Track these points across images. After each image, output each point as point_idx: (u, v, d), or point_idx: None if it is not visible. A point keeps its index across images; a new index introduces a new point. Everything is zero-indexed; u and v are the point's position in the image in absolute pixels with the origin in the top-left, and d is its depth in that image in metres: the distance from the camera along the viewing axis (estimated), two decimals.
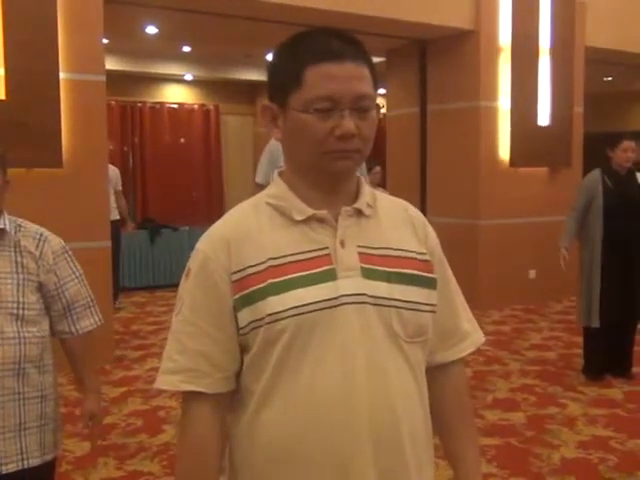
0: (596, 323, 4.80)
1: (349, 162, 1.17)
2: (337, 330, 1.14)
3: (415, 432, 1.19)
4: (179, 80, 11.18)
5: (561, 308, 7.54)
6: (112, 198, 7.17)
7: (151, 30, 8.02)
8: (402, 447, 1.16)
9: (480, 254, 7.55)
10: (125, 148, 10.78)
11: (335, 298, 1.14)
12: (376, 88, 1.20)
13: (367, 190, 1.25)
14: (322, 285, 1.14)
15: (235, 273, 1.16)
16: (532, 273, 7.80)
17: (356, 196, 1.23)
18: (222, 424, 1.20)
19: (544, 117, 7.71)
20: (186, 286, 1.21)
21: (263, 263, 1.15)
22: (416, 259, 1.23)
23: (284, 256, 1.15)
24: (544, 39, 7.63)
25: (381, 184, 7.52)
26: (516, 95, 7.49)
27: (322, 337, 1.13)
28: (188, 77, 11.07)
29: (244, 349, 1.18)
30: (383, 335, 1.16)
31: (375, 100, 1.19)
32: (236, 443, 1.21)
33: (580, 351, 5.24)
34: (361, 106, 1.15)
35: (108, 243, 5.49)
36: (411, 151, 8.20)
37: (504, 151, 7.57)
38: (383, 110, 8.93)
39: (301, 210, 1.18)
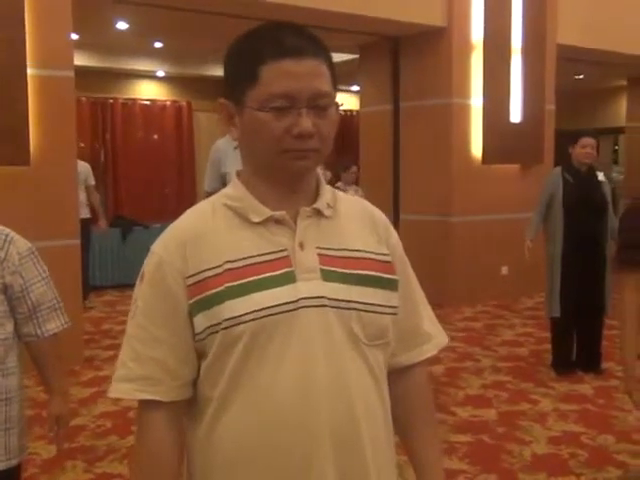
0: (556, 312, 4.93)
1: (307, 162, 1.14)
2: (296, 334, 1.11)
3: (375, 434, 1.18)
4: (151, 76, 11.06)
5: (532, 304, 7.60)
6: (83, 195, 7.09)
7: (122, 25, 7.92)
8: (362, 449, 1.15)
9: (452, 251, 7.58)
10: (97, 145, 10.65)
11: (294, 301, 1.11)
12: (335, 85, 1.18)
13: (327, 190, 1.23)
14: (281, 288, 1.12)
15: (190, 277, 1.13)
16: (504, 269, 7.85)
17: (316, 196, 1.20)
18: (179, 432, 1.18)
19: (516, 114, 7.76)
20: (140, 290, 1.18)
21: (220, 266, 1.12)
22: (376, 260, 1.21)
23: (242, 259, 1.13)
24: (516, 37, 7.68)
25: (356, 183, 7.53)
26: (488, 92, 7.53)
27: (281, 341, 1.11)
28: (160, 73, 10.96)
29: (201, 355, 1.15)
30: (343, 338, 1.14)
31: (334, 98, 1.16)
32: (194, 451, 1.18)
33: (550, 346, 5.29)
34: (319, 104, 1.12)
35: (77, 241, 5.42)
36: (384, 148, 8.20)
37: (476, 148, 7.60)
38: (352, 107, 8.92)
39: (258, 211, 1.16)
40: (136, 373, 1.15)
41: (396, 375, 1.30)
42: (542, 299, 7.29)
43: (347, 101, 12.90)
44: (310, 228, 1.17)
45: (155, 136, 11.22)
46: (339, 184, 6.92)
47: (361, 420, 1.14)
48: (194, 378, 1.17)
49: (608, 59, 9.34)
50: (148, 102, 11.13)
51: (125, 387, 1.16)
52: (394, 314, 1.22)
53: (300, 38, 1.13)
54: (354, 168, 7.20)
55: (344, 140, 12.38)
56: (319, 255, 1.15)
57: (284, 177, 1.16)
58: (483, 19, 7.45)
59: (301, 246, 1.15)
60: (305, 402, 1.11)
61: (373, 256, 1.21)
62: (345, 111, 12.98)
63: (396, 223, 8.14)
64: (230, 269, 1.12)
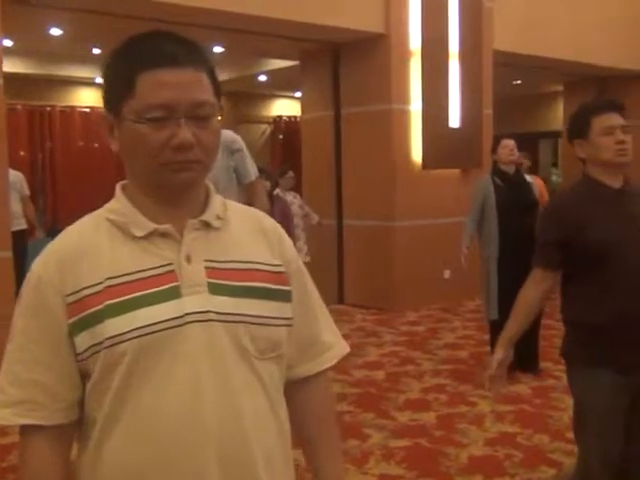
0: (495, 315, 4.99)
1: (190, 173, 1.11)
2: (183, 351, 1.08)
3: (269, 451, 1.15)
4: (90, 83, 10.86)
5: (474, 306, 7.69)
6: (19, 206, 6.90)
7: (55, 32, 7.76)
8: (253, 465, 1.12)
9: (395, 255, 7.63)
10: (37, 154, 10.41)
11: (180, 317, 1.09)
12: (218, 94, 1.15)
13: (217, 201, 1.20)
14: (166, 304, 1.09)
15: (70, 295, 1.09)
16: (447, 273, 7.92)
17: (205, 208, 1.18)
18: (65, 457, 1.13)
19: (455, 119, 7.86)
20: (19, 310, 1.13)
21: (100, 284, 1.09)
22: (268, 271, 1.19)
23: (123, 275, 1.09)
24: (453, 43, 7.78)
25: (294, 189, 7.52)
26: (427, 98, 7.61)
27: (166, 359, 1.08)
28: (99, 80, 10.76)
29: (85, 375, 1.11)
30: (232, 353, 1.12)
31: (216, 107, 1.13)
32: (81, 474, 1.14)
33: (489, 349, 5.35)
34: (199, 114, 1.10)
35: (9, 253, 5.26)
36: (326, 154, 8.21)
37: (416, 153, 7.67)
38: (296, 114, 8.92)
39: (142, 225, 1.12)
40: (15, 397, 1.10)
41: (295, 387, 1.28)
42: (483, 300, 7.41)
43: (291, 107, 12.92)
44: (198, 241, 1.14)
45: (96, 144, 11.02)
46: (277, 191, 6.90)
47: (252, 438, 1.12)
48: (80, 399, 1.13)
49: (544, 65, 9.54)
50: (88, 109, 10.93)
51: (3, 413, 1.11)
52: (288, 325, 1.20)
53: (177, 46, 1.11)
54: (290, 173, 7.19)
55: (288, 146, 12.39)
56: (207, 268, 1.13)
57: (167, 190, 1.13)
58: (420, 26, 7.53)
59: (188, 259, 1.12)
60: (193, 423, 1.08)
61: (264, 267, 1.19)
62: (289, 117, 13.00)
63: (339, 228, 8.17)
64: (111, 286, 1.09)
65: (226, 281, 1.13)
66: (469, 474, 3.52)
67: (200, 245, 1.14)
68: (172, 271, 1.11)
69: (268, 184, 6.59)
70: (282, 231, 1.28)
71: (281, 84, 11.85)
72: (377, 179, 7.65)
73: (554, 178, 14.02)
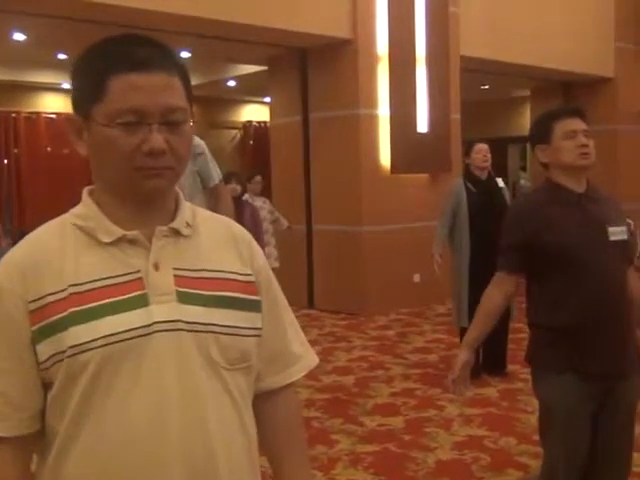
0: (465, 323, 4.95)
1: (161, 180, 1.09)
2: (148, 361, 1.06)
3: (236, 464, 1.13)
4: (56, 89, 10.73)
5: (444, 310, 7.71)
6: None
7: (19, 37, 7.65)
8: (219, 479, 1.10)
9: (365, 261, 7.63)
10: (1, 160, 10.26)
11: (147, 326, 1.06)
12: (191, 100, 1.14)
13: (187, 209, 1.18)
14: (132, 312, 1.06)
15: (32, 302, 1.06)
16: (416, 277, 7.95)
17: (174, 215, 1.15)
18: (26, 468, 1.10)
19: (423, 124, 7.90)
20: None
21: (64, 290, 1.06)
22: (238, 281, 1.17)
23: (89, 282, 1.07)
24: (420, 48, 7.83)
25: (264, 193, 7.48)
26: (395, 103, 7.64)
27: (131, 369, 1.05)
28: (66, 85, 10.64)
29: (47, 385, 1.08)
30: (200, 363, 1.09)
31: (188, 113, 1.11)
32: None
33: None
34: (171, 120, 1.08)
35: None
36: (295, 160, 8.20)
37: (385, 158, 7.70)
38: (266, 119, 8.90)
39: (109, 231, 1.10)
40: None
41: (263, 399, 1.26)
42: (453, 306, 7.44)
43: (261, 113, 12.89)
44: (166, 248, 1.12)
45: (64, 150, 10.87)
46: (246, 196, 6.86)
47: (218, 450, 1.09)
48: (42, 409, 1.10)
49: (510, 70, 9.64)
50: (54, 115, 10.79)
51: None
52: (258, 336, 1.19)
53: (150, 50, 1.08)
54: (258, 178, 7.15)
55: (258, 151, 12.36)
56: (175, 276, 1.10)
57: (137, 196, 1.11)
58: (388, 31, 7.56)
59: (156, 267, 1.10)
60: (158, 435, 1.05)
61: (235, 276, 1.17)
62: (259, 122, 12.97)
63: (309, 233, 8.16)
64: (75, 293, 1.06)
65: (195, 290, 1.11)
66: (436, 478, 3.51)
67: (169, 253, 1.12)
68: (139, 279, 1.08)
69: (239, 188, 6.55)
70: (252, 239, 1.26)
71: (250, 89, 11.82)
72: (346, 184, 7.66)
73: (523, 182, 14.19)
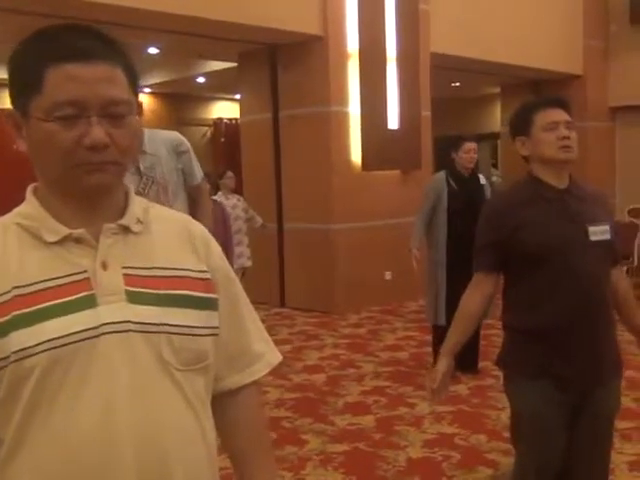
0: (442, 321, 4.93)
1: (104, 175, 1.04)
2: (97, 364, 1.01)
3: (193, 469, 1.09)
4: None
5: (416, 307, 7.72)
6: None
7: None
8: None
9: (336, 258, 7.61)
10: None
11: (95, 328, 1.01)
12: (136, 92, 1.09)
13: (138, 204, 1.13)
14: (79, 314, 1.01)
15: None
16: (388, 274, 7.94)
17: (124, 211, 1.11)
18: None
19: (393, 121, 7.89)
20: None
21: (7, 293, 1.01)
22: (193, 278, 1.12)
23: (33, 283, 1.02)
24: (390, 45, 7.81)
25: (236, 190, 7.42)
26: (366, 100, 7.61)
27: (79, 374, 1.00)
28: None
29: None
30: (152, 365, 1.05)
31: (133, 105, 1.07)
32: None
33: (431, 349, 5.36)
34: (113, 112, 1.03)
35: None
36: (265, 157, 8.15)
37: (356, 155, 7.67)
38: (237, 115, 8.83)
39: (54, 230, 1.05)
40: None
41: (224, 399, 1.22)
42: (428, 304, 7.44)
43: (232, 110, 12.80)
44: (115, 246, 1.07)
45: (14, 146, 10.64)
46: (219, 194, 6.80)
47: (173, 456, 1.05)
48: None
49: (480, 67, 9.67)
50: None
51: None
52: (214, 335, 1.14)
53: (89, 40, 1.03)
54: (230, 173, 7.08)
55: (229, 149, 12.26)
56: (125, 275, 1.06)
57: (81, 193, 1.06)
58: (358, 28, 7.53)
59: (104, 266, 1.05)
60: (107, 443, 1.00)
61: (189, 274, 1.12)
62: (230, 120, 12.88)
63: (280, 232, 8.11)
64: (19, 295, 1.01)
65: (146, 289, 1.07)
66: (407, 477, 3.49)
67: (118, 251, 1.07)
68: (87, 279, 1.04)
69: (209, 188, 6.49)
70: (210, 236, 1.22)
71: (220, 86, 11.74)
72: (317, 181, 7.62)
73: (494, 179, 14.25)
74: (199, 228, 1.22)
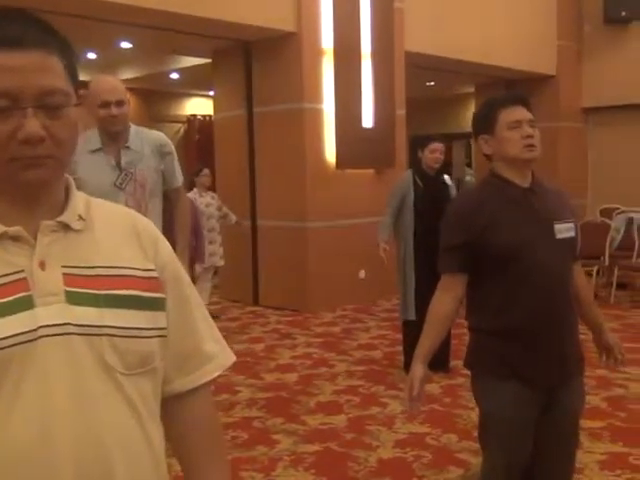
0: (412, 316, 4.99)
1: (41, 170, 0.98)
2: (34, 370, 0.95)
3: (137, 475, 1.03)
4: None
5: (390, 306, 7.71)
6: None
7: None
8: None
9: (310, 256, 7.57)
10: None
11: (32, 331, 0.95)
12: (76, 81, 1.03)
13: (79, 200, 1.07)
14: (15, 316, 0.95)
15: None
16: (362, 273, 7.93)
17: (64, 208, 1.05)
18: None
19: (368, 119, 7.87)
20: None
21: None
22: (139, 277, 1.07)
23: None
24: (365, 43, 7.79)
25: (211, 188, 7.36)
26: (340, 98, 7.59)
27: (14, 380, 0.95)
28: None
29: None
30: (94, 370, 0.99)
31: (71, 96, 1.01)
32: None
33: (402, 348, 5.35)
34: (49, 103, 0.97)
35: None
36: (239, 154, 8.09)
37: (330, 153, 7.64)
38: (211, 112, 8.76)
39: None
40: None
41: (175, 402, 1.16)
42: (399, 301, 7.44)
43: (206, 106, 12.70)
44: (54, 245, 1.01)
45: None
46: (194, 191, 6.73)
47: (116, 462, 0.99)
48: None
49: (454, 66, 9.69)
50: None
51: None
52: (162, 336, 1.09)
53: (24, 27, 0.97)
54: (206, 170, 7.05)
55: (203, 146, 12.17)
56: (65, 275, 1.00)
57: (17, 189, 1.00)
58: (333, 25, 7.50)
59: (42, 266, 0.99)
60: (45, 451, 0.95)
61: (135, 272, 1.07)
62: (204, 116, 12.78)
63: (254, 229, 8.05)
64: None
65: (88, 289, 1.01)
66: (378, 477, 3.47)
67: (57, 249, 1.01)
68: (24, 279, 0.98)
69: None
70: (158, 232, 1.16)
71: (194, 82, 11.62)
72: (290, 179, 7.58)
73: (468, 178, 14.32)
74: (146, 223, 1.16)
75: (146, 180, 3.30)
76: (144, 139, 3.35)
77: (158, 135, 3.50)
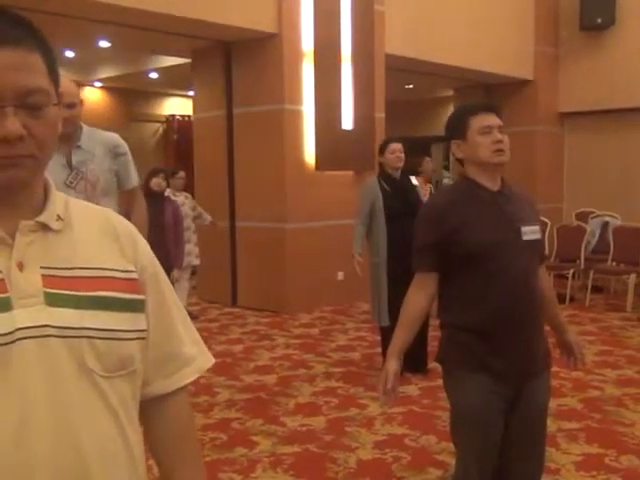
0: (386, 322, 4.98)
1: (19, 170, 0.97)
2: (12, 373, 0.94)
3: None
4: None
5: (368, 308, 7.71)
6: None
7: None
8: None
9: (288, 258, 7.57)
10: None
11: (10, 333, 0.94)
12: (56, 80, 1.02)
13: (58, 200, 1.06)
14: None
15: None
16: (340, 275, 7.93)
17: (43, 208, 1.04)
18: None
19: (347, 121, 7.89)
20: None
21: None
22: (118, 278, 1.06)
23: None
24: (345, 45, 7.81)
25: (186, 189, 7.34)
26: (319, 99, 7.60)
27: None
28: None
29: None
30: (73, 373, 0.98)
31: (52, 95, 1.00)
32: None
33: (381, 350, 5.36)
34: (31, 102, 0.96)
35: None
36: (219, 155, 8.06)
37: (309, 154, 7.65)
38: (190, 112, 8.72)
39: None
40: None
41: (152, 405, 1.15)
42: (370, 306, 7.46)
43: (185, 106, 12.65)
44: (33, 245, 1.00)
45: None
46: (168, 191, 6.71)
47: (94, 469, 0.99)
48: None
49: (434, 70, 9.75)
50: None
51: None
52: (142, 338, 1.08)
53: (5, 24, 0.95)
54: (181, 173, 7.04)
55: (182, 146, 12.12)
56: (44, 276, 0.99)
57: None
58: (313, 27, 7.51)
59: (20, 266, 0.98)
60: (22, 455, 0.93)
61: (114, 274, 1.06)
62: (183, 116, 12.73)
63: (232, 230, 8.03)
64: None
65: (68, 291, 0.99)
66: (357, 479, 3.48)
67: (36, 250, 1.00)
68: (1, 280, 0.96)
69: (164, 184, 6.42)
70: (137, 233, 1.15)
71: (173, 82, 11.57)
72: (270, 180, 7.57)
73: (446, 181, 14.40)
74: (125, 224, 1.15)
75: (97, 179, 3.30)
76: (97, 139, 3.35)
77: (112, 136, 3.49)
